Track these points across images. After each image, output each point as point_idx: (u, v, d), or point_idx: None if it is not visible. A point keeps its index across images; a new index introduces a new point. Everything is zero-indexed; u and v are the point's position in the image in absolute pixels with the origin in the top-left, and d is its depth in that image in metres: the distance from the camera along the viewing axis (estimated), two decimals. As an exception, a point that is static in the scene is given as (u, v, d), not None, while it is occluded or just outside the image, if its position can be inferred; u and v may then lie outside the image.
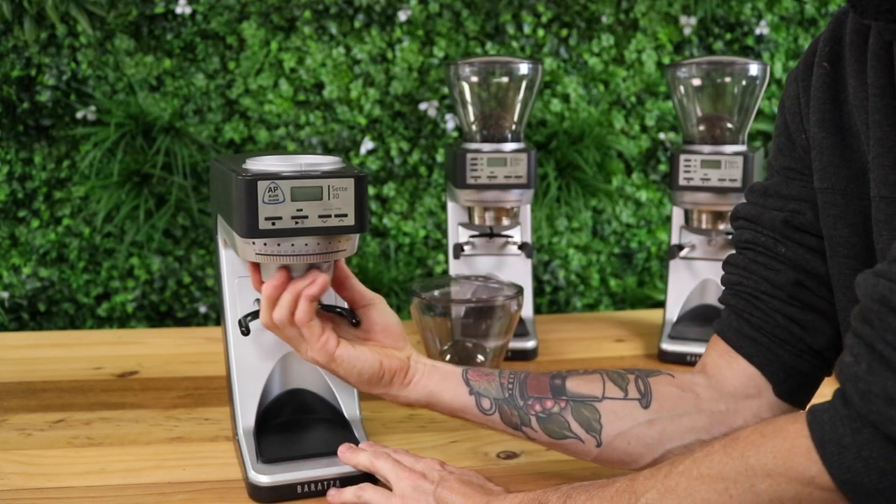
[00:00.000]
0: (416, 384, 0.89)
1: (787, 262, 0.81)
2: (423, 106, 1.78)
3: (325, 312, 0.92)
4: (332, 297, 0.95)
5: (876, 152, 0.69)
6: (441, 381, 0.89)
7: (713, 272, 1.42)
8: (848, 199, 0.74)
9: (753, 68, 1.32)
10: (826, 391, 0.67)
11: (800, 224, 0.81)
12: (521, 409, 0.85)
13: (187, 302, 1.77)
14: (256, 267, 0.89)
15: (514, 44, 1.79)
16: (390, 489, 0.84)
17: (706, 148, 1.32)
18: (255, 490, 0.88)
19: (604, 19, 1.80)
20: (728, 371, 0.84)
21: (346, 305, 0.94)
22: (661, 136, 1.87)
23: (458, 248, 1.41)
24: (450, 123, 1.79)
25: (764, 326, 0.82)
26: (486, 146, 1.33)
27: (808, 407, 0.60)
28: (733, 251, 0.88)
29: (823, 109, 0.76)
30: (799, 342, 0.81)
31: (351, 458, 0.88)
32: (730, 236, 1.38)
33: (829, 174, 0.75)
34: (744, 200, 0.88)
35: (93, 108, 1.68)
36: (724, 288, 0.88)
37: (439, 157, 1.80)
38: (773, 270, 0.82)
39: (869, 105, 0.70)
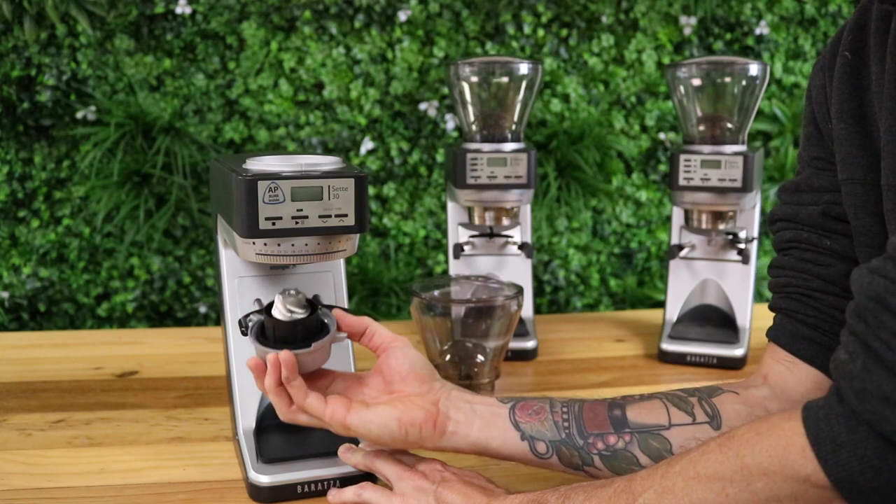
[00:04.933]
0: (454, 434, 0.80)
1: (836, 255, 0.79)
2: (423, 106, 1.78)
3: (335, 375, 0.87)
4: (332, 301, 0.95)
5: (886, 140, 0.68)
6: (485, 427, 0.80)
7: (713, 272, 1.42)
8: (867, 189, 0.73)
9: (753, 68, 1.32)
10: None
11: (838, 214, 0.79)
12: (582, 448, 0.78)
13: (187, 302, 1.77)
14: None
15: (514, 44, 1.79)
16: (391, 489, 0.84)
17: (706, 148, 1.32)
18: (255, 490, 0.88)
19: (604, 19, 1.80)
20: (791, 378, 0.81)
21: (339, 306, 0.89)
22: (661, 136, 1.87)
23: (458, 248, 1.41)
24: (450, 123, 1.79)
25: (821, 325, 0.79)
26: (486, 146, 1.33)
27: (803, 404, 0.60)
28: (777, 255, 0.85)
29: (843, 100, 0.75)
30: None
31: (351, 457, 0.88)
32: (730, 236, 1.38)
33: (848, 165, 0.75)
34: (779, 202, 0.87)
35: (93, 108, 1.68)
36: (772, 294, 0.85)
37: (439, 157, 1.80)
38: (822, 266, 0.80)
39: (884, 92, 0.69)
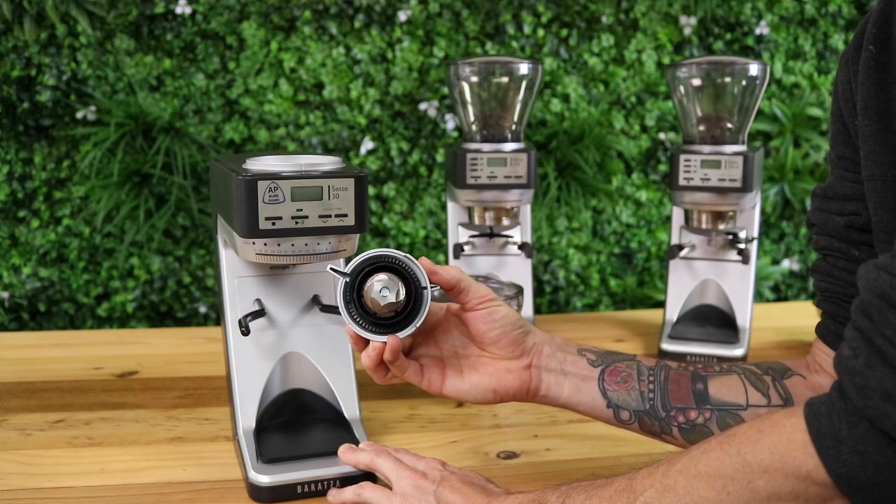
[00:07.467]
0: (546, 396, 0.85)
1: None
2: (423, 106, 1.78)
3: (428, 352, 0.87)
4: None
5: None
6: (575, 392, 0.85)
7: (713, 272, 1.42)
8: (888, 186, 0.73)
9: (753, 68, 1.33)
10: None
11: (861, 225, 0.80)
12: (663, 419, 0.83)
13: (187, 302, 1.77)
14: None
15: (514, 44, 1.79)
16: (391, 489, 0.84)
17: (706, 148, 1.32)
18: (255, 490, 0.88)
19: (604, 19, 1.80)
20: None
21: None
22: (661, 136, 1.87)
23: (458, 248, 1.41)
24: (450, 123, 1.79)
25: None
26: (486, 146, 1.34)
27: (806, 400, 0.60)
28: (817, 258, 0.88)
29: (868, 95, 0.75)
30: None
31: (351, 457, 0.88)
32: (730, 236, 1.38)
33: (870, 161, 0.74)
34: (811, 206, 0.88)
35: (93, 108, 1.68)
36: (816, 292, 0.88)
37: (439, 157, 1.80)
38: (854, 274, 0.80)
39: None
